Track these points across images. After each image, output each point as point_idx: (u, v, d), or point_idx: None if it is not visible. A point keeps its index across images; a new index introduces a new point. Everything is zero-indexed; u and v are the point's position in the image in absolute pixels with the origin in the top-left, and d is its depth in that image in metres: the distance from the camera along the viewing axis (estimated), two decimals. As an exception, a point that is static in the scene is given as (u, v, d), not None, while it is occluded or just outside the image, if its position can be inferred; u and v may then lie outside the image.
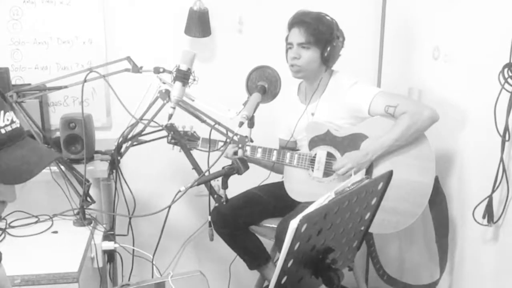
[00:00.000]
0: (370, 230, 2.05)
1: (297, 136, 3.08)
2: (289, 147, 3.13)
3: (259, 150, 2.94)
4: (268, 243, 3.11)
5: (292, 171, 2.94)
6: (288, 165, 2.93)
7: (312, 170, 2.89)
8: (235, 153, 2.90)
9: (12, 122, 1.36)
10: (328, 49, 2.82)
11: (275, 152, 2.91)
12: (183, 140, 2.91)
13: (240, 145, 2.81)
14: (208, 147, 2.88)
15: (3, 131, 1.33)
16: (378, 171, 2.76)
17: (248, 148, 2.93)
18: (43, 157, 1.45)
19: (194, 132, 3.02)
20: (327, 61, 2.86)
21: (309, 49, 2.82)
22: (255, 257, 3.12)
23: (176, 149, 2.98)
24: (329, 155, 2.88)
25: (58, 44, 3.37)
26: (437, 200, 2.86)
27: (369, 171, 2.79)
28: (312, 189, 2.87)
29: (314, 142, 2.90)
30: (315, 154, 2.88)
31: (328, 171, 2.87)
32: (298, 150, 3.04)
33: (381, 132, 2.77)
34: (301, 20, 2.82)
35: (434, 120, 2.70)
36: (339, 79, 2.94)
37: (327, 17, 2.86)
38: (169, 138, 3.03)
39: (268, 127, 2.99)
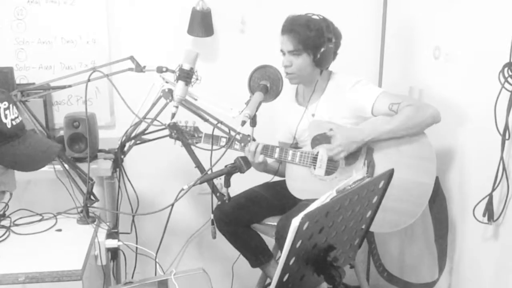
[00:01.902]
0: (370, 229, 2.06)
1: (299, 138, 3.09)
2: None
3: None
4: (270, 241, 3.12)
5: (294, 168, 2.94)
6: (290, 163, 2.94)
7: (314, 168, 2.90)
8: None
9: (18, 115, 1.43)
10: (319, 53, 2.82)
11: (277, 150, 2.91)
12: (185, 139, 2.93)
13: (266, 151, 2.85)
14: (210, 143, 2.89)
15: (14, 123, 1.39)
16: (379, 171, 2.77)
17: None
18: (50, 146, 1.50)
19: (197, 127, 3.02)
20: (319, 64, 2.86)
21: (299, 56, 2.82)
22: (257, 255, 3.12)
23: (177, 144, 2.99)
24: None
25: (62, 44, 3.39)
26: (437, 201, 2.87)
27: (370, 170, 2.80)
28: (314, 187, 2.88)
29: (316, 141, 2.91)
30: (317, 152, 2.90)
31: (329, 169, 2.88)
32: (300, 148, 3.05)
33: None
34: (289, 28, 2.82)
35: (435, 120, 2.71)
36: (339, 79, 2.95)
37: (317, 21, 2.84)
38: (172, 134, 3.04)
39: (269, 126, 3.00)
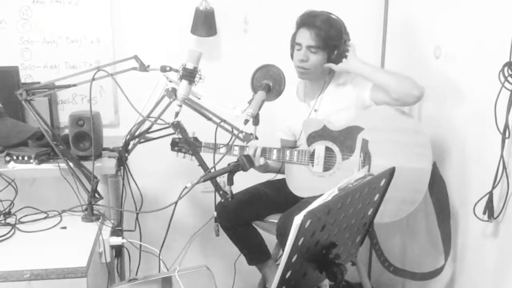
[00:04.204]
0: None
1: (298, 136, 3.12)
2: (290, 146, 3.16)
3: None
4: (272, 239, 3.14)
5: (293, 167, 2.97)
6: (289, 162, 2.96)
7: (312, 166, 2.92)
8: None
9: None
10: (336, 53, 2.85)
11: (275, 151, 2.93)
12: (188, 139, 2.95)
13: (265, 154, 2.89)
14: (209, 151, 2.92)
15: None
16: (375, 161, 2.79)
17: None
18: (27, 128, 1.56)
19: (196, 137, 3.05)
20: (335, 63, 2.88)
21: (317, 53, 2.84)
22: (255, 253, 3.16)
23: (180, 156, 3.05)
24: (328, 150, 2.91)
25: (67, 43, 3.42)
26: (437, 186, 2.86)
27: (367, 162, 2.80)
28: (314, 184, 2.90)
29: (312, 138, 2.93)
30: (314, 150, 2.91)
31: (327, 165, 2.90)
32: (297, 147, 3.08)
33: (378, 122, 2.83)
34: (312, 22, 2.82)
35: (416, 91, 2.71)
36: (341, 75, 2.98)
37: (336, 20, 2.87)
38: (172, 146, 3.10)
39: (270, 124, 2.99)
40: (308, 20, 2.86)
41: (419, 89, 2.71)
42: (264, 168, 2.98)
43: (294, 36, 2.94)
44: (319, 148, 2.90)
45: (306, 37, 2.85)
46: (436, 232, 2.98)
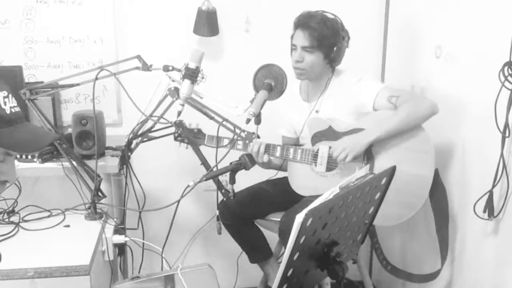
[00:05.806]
0: (373, 222, 2.09)
1: (300, 134, 3.12)
2: (291, 144, 3.17)
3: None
4: (274, 237, 3.15)
5: (296, 166, 2.97)
6: (292, 160, 2.98)
7: (315, 165, 2.93)
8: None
9: (17, 105, 1.51)
10: (333, 51, 2.84)
11: (278, 148, 2.94)
12: (191, 137, 2.96)
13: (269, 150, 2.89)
14: (214, 144, 2.92)
15: (13, 110, 1.47)
16: (379, 164, 2.79)
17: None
18: (47, 133, 1.57)
19: (200, 129, 3.06)
20: (332, 62, 2.88)
21: (312, 53, 2.82)
22: (257, 251, 3.17)
23: (183, 145, 3.04)
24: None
25: (70, 43, 3.43)
26: (437, 192, 2.86)
27: (370, 165, 2.82)
28: (316, 183, 2.90)
29: (316, 138, 2.93)
30: (318, 149, 2.92)
31: (330, 166, 2.91)
32: (301, 145, 3.09)
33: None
34: (305, 23, 2.81)
35: (433, 111, 2.72)
36: (343, 76, 2.97)
37: (332, 20, 2.85)
38: (176, 135, 3.08)
39: (271, 123, 3.00)
40: (302, 21, 2.85)
41: (436, 109, 2.74)
42: (267, 165, 2.99)
43: (291, 38, 2.95)
44: (323, 148, 2.90)
45: (300, 38, 2.84)
46: (435, 235, 3.00)
